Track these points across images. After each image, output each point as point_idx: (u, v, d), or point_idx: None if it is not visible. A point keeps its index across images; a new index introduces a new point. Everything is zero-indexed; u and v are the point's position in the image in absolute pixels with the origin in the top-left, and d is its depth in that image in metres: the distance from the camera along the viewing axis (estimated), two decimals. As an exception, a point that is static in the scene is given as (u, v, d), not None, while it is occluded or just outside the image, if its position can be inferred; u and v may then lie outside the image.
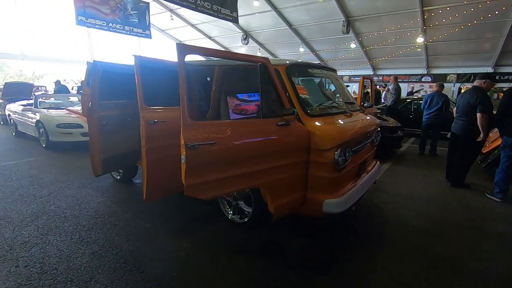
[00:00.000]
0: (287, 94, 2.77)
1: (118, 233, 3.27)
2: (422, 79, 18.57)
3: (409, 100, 9.78)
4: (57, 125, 6.78)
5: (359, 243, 3.15)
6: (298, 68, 3.15)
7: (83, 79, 13.38)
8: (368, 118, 3.52)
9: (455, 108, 4.96)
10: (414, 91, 16.44)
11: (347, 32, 15.75)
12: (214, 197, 2.20)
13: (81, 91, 5.73)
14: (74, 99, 8.94)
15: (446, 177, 5.08)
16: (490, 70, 16.54)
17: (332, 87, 3.41)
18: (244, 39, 19.50)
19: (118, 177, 4.80)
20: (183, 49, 2.09)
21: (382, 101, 12.05)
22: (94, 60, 3.48)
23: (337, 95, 3.43)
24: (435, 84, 7.04)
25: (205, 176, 2.11)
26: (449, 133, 4.92)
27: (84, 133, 6.86)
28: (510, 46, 14.54)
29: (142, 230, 3.34)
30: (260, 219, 3.25)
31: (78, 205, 3.97)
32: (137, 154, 4.30)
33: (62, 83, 14.98)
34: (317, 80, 3.36)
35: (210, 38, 21.17)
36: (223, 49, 22.04)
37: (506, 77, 16.22)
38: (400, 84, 10.10)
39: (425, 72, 18.32)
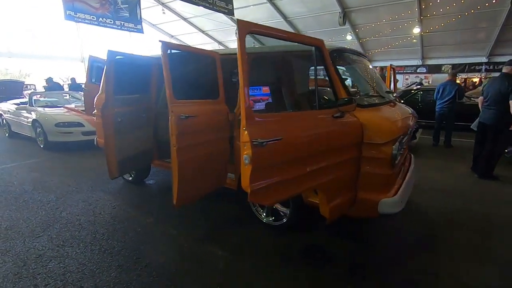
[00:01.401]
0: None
1: (143, 241, 2.94)
2: (417, 70, 18.47)
3: (416, 90, 9.58)
4: (55, 124, 6.33)
5: (409, 245, 2.90)
6: (342, 54, 2.84)
7: (72, 76, 12.73)
8: (408, 108, 3.25)
9: (480, 97, 4.74)
10: (419, 82, 16.21)
11: (344, 24, 15.50)
12: (277, 202, 1.89)
13: (83, 87, 5.32)
14: (68, 96, 8.41)
15: (472, 168, 4.88)
16: (484, 60, 16.55)
17: (370, 76, 3.13)
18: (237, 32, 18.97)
19: (130, 178, 4.43)
20: (245, 26, 1.75)
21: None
22: (109, 50, 3.10)
23: (374, 84, 3.15)
24: (429, 74, 6.86)
25: (270, 178, 1.80)
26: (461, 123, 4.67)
27: (86, 132, 6.43)
28: (505, 35, 14.51)
29: (168, 237, 3.01)
30: (298, 221, 2.97)
31: (91, 210, 3.61)
32: (152, 153, 3.96)
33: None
34: (356, 67, 3.06)
35: (203, 32, 20.62)
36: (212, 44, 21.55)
37: (500, 66, 16.18)
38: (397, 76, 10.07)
39: (420, 63, 18.22)
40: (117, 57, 3.22)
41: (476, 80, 16.89)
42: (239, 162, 3.16)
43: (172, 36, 21.81)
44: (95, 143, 4.90)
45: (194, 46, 2.93)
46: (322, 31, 17.50)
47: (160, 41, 2.46)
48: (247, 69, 1.72)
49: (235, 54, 3.28)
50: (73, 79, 11.58)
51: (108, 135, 3.30)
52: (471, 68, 16.94)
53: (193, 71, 3.13)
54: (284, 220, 2.97)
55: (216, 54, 3.03)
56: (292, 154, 1.88)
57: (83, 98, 8.55)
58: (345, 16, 15.31)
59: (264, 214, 3.15)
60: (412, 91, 9.74)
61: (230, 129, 3.14)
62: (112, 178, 3.51)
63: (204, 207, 3.61)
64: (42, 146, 6.71)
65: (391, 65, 5.03)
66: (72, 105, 7.55)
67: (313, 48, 2.13)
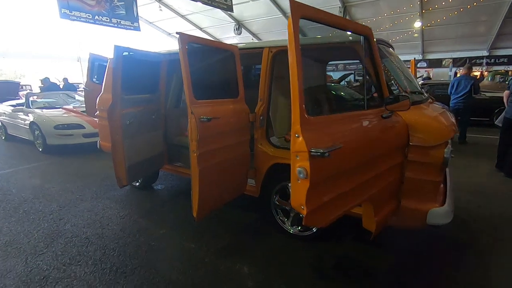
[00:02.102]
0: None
1: (159, 257, 2.63)
2: (418, 65, 18.23)
3: (425, 84, 9.30)
4: (55, 126, 5.97)
5: (459, 255, 2.62)
6: (381, 45, 2.53)
7: (64, 76, 12.30)
8: (441, 104, 2.96)
9: (506, 91, 4.47)
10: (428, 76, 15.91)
11: (344, 19, 15.18)
12: (332, 221, 1.59)
13: (84, 87, 4.98)
14: (69, 98, 8.02)
15: (496, 166, 4.62)
16: (485, 53, 16.35)
17: (405, 70, 2.84)
18: (236, 29, 18.63)
19: (137, 184, 4.11)
20: (299, 9, 1.44)
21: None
22: (115, 45, 2.78)
23: (410, 80, 2.85)
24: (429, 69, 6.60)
25: (327, 194, 1.50)
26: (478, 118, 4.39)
27: (87, 134, 6.09)
28: (506, 28, 14.29)
29: (186, 252, 2.71)
30: (328, 231, 2.68)
31: (98, 221, 3.29)
32: (163, 158, 3.65)
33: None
34: (392, 60, 2.76)
35: (201, 29, 20.20)
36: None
37: (502, 60, 16.05)
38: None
39: (420, 57, 17.98)
40: (125, 53, 2.89)
41: (477, 74, 16.69)
42: (260, 167, 2.87)
43: (170, 34, 21.35)
44: (98, 146, 4.57)
45: (212, 39, 2.59)
46: (321, 27, 17.08)
47: (177, 33, 2.15)
48: (300, 60, 1.40)
49: (253, 48, 3.02)
50: (65, 79, 11.19)
51: (116, 140, 2.98)
52: (472, 62, 16.71)
53: (212, 67, 2.82)
54: (314, 230, 2.68)
55: (235, 48, 2.72)
56: (350, 164, 1.58)
57: (83, 99, 8.29)
58: (346, 10, 15.01)
59: (289, 223, 2.87)
60: (425, 84, 9.47)
61: (250, 131, 2.84)
62: (121, 186, 3.20)
63: (221, 215, 3.30)
64: (40, 149, 6.36)
65: (414, 58, 4.74)
66: (70, 106, 7.19)
67: (361, 37, 1.84)
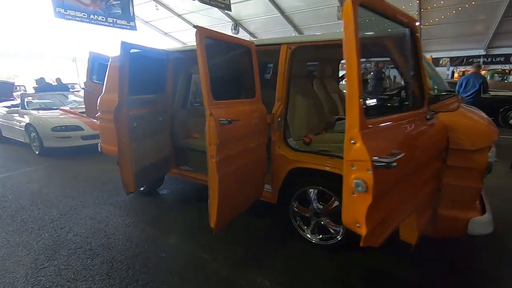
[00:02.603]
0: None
1: (171, 270, 2.42)
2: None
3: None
4: (52, 128, 5.70)
5: (497, 268, 2.44)
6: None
7: (57, 76, 11.96)
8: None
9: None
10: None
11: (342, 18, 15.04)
12: (385, 239, 1.39)
13: (84, 87, 4.73)
14: (65, 98, 7.72)
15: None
16: (482, 52, 16.31)
17: (433, 68, 2.66)
18: (234, 28, 18.38)
19: (142, 189, 3.88)
20: None
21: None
22: (122, 41, 2.55)
23: (439, 78, 2.68)
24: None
25: (384, 209, 1.29)
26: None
27: (85, 136, 5.82)
28: (503, 27, 14.26)
29: (201, 263, 2.50)
30: (352, 241, 2.49)
31: (102, 230, 3.07)
32: (170, 161, 3.43)
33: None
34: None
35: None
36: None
37: (498, 59, 16.02)
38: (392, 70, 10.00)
39: (417, 56, 17.90)
40: (132, 50, 2.67)
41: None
42: (278, 171, 2.67)
43: (166, 34, 21.03)
44: (99, 149, 4.33)
45: (228, 34, 2.38)
46: (319, 26, 17.00)
47: (195, 26, 1.93)
48: (360, 53, 1.19)
49: (270, 45, 2.82)
50: (58, 79, 10.86)
51: (122, 143, 2.75)
52: (469, 61, 16.67)
53: (228, 65, 2.61)
54: (339, 238, 2.49)
55: (252, 44, 2.51)
56: (407, 173, 1.39)
57: (78, 99, 8.02)
58: (344, 10, 14.87)
59: (309, 231, 2.67)
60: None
61: (268, 134, 2.64)
62: (128, 193, 2.97)
63: (233, 222, 3.09)
64: (37, 152, 6.08)
65: (431, 56, 4.58)
66: (67, 107, 6.91)
67: (407, 30, 1.65)
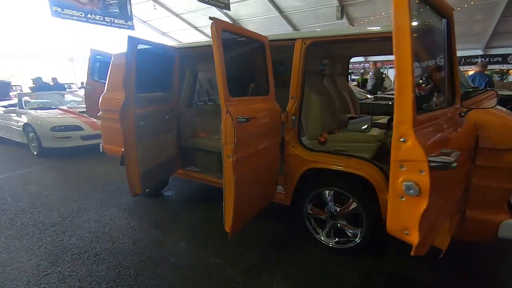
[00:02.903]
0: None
1: (182, 276, 2.29)
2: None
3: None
4: (51, 128, 5.53)
5: None
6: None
7: (53, 76, 11.71)
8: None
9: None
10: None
11: (341, 18, 15.00)
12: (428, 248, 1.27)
13: (85, 86, 4.58)
14: (65, 97, 7.54)
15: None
16: (480, 52, 16.35)
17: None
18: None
19: (146, 190, 3.74)
20: None
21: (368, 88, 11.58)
22: (129, 36, 2.43)
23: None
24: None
25: (433, 215, 1.17)
26: None
27: (85, 136, 5.67)
28: (501, 27, 14.29)
29: (212, 269, 2.37)
30: (371, 244, 2.38)
31: (107, 234, 2.93)
32: (177, 162, 3.30)
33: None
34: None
35: (196, 28, 19.76)
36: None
37: (496, 59, 16.06)
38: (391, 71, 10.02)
39: (415, 57, 17.88)
40: (139, 45, 2.53)
41: (472, 72, 16.66)
42: (292, 172, 2.55)
43: (164, 33, 20.85)
44: (100, 149, 4.19)
45: (243, 28, 2.25)
46: (318, 26, 16.94)
47: (211, 18, 1.81)
48: (412, 37, 1.07)
49: (283, 40, 2.70)
50: (54, 79, 10.68)
51: (128, 143, 2.62)
52: (467, 61, 16.70)
53: (242, 60, 2.49)
54: (357, 242, 2.38)
55: (265, 39, 2.39)
56: (455, 173, 1.28)
57: (76, 98, 7.85)
58: (343, 9, 14.80)
59: (324, 234, 2.56)
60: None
61: (281, 133, 2.53)
62: (134, 195, 2.84)
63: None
64: (35, 153, 5.91)
65: None
66: (65, 107, 6.74)
67: (443, 20, 1.54)
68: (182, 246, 2.70)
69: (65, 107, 6.62)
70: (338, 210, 2.44)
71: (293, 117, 2.47)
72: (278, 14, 16.32)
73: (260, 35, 2.37)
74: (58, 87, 9.81)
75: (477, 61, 16.54)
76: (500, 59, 15.97)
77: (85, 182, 4.39)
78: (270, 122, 2.30)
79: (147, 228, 3.03)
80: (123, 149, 2.64)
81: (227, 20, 17.87)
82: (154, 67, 2.83)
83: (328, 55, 3.22)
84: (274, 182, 2.57)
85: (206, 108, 3.87)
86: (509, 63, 15.90)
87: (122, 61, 3.77)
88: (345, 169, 2.28)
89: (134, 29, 15.76)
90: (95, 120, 5.53)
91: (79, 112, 6.12)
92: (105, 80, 4.28)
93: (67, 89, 11.87)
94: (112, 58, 3.90)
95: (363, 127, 2.70)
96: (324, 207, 2.53)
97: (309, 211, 2.59)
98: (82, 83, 17.05)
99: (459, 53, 11.59)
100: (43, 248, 2.70)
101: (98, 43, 19.04)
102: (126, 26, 15.49)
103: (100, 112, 4.04)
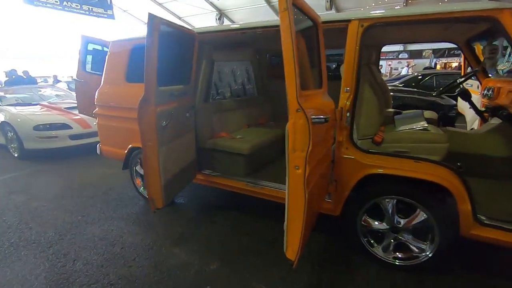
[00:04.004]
0: None
1: (226, 311, 1.86)
2: (399, 56, 18.18)
3: (431, 74, 8.91)
4: (34, 127, 4.85)
5: None
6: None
7: (25, 69, 10.74)
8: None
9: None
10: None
11: (330, 8, 14.68)
12: None
13: (75, 78, 3.96)
14: (46, 92, 6.74)
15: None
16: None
17: None
18: (218, 19, 17.54)
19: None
20: None
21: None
22: (149, 13, 1.93)
23: None
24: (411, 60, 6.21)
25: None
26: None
27: (74, 135, 5.03)
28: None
29: (261, 299, 1.95)
30: (441, 260, 2.04)
31: (119, 255, 2.43)
32: (195, 167, 2.83)
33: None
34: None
35: (180, 18, 18.81)
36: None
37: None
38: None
39: (401, 48, 17.92)
40: (162, 26, 2.02)
41: (455, 64, 16.85)
42: (345, 179, 2.16)
43: (146, 23, 19.70)
44: (97, 151, 3.63)
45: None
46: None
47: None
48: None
49: (334, 22, 2.26)
50: (26, 72, 9.76)
51: (149, 148, 2.11)
52: (451, 53, 16.87)
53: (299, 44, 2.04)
54: (427, 256, 2.03)
55: (319, 19, 1.94)
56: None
57: (55, 93, 7.06)
58: (332, 0, 14.48)
59: (381, 249, 2.19)
60: (419, 76, 9.09)
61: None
62: (155, 210, 2.34)
63: (273, 238, 2.56)
64: (16, 155, 5.19)
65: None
66: (45, 102, 6.01)
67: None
68: (214, 267, 2.26)
69: (46, 103, 5.89)
70: (402, 221, 2.07)
71: (348, 114, 2.06)
72: (265, 4, 15.75)
73: (315, 13, 1.92)
74: (30, 81, 8.90)
75: (460, 53, 16.81)
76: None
77: (80, 189, 3.81)
78: (330, 121, 1.88)
79: (167, 246, 2.55)
80: (142, 156, 2.13)
81: (213, 10, 17.18)
82: (175, 55, 2.33)
83: (381, 41, 2.84)
84: (325, 191, 2.16)
85: (225, 103, 3.39)
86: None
87: (122, 49, 3.23)
88: (416, 175, 1.91)
89: (114, 18, 14.89)
90: (85, 117, 4.92)
91: (64, 108, 5.44)
92: (100, 72, 3.71)
93: (39, 83, 10.85)
94: (110, 46, 3.33)
95: (422, 124, 2.33)
96: (382, 218, 2.15)
97: (363, 222, 2.21)
98: (55, 76, 15.88)
99: (443, 45, 11.50)
100: (42, 278, 2.18)
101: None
102: (106, 15, 14.62)
103: (96, 109, 3.48)
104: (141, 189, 3.32)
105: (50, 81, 16.28)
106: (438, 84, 8.28)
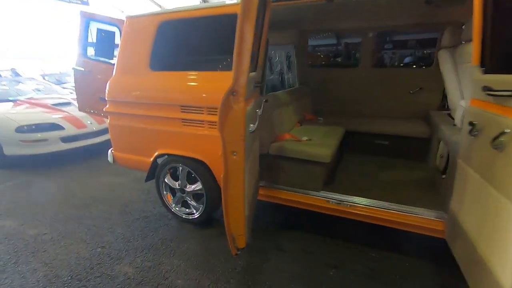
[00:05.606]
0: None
1: None
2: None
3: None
4: (16, 128, 3.89)
5: None
6: None
7: (13, 67, 9.55)
8: None
9: None
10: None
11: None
12: None
13: (74, 67, 3.10)
14: (24, 86, 5.62)
15: None
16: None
17: None
18: (204, 1, 16.46)
19: (195, 215, 2.50)
20: None
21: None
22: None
23: None
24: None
25: None
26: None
27: (66, 137, 4.12)
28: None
29: None
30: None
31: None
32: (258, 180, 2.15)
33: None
34: None
35: (160, 6, 17.51)
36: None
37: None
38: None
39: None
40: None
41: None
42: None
43: (123, 12, 18.23)
44: (109, 159, 2.83)
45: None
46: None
47: None
48: None
49: None
50: (13, 69, 8.74)
51: (233, 163, 1.38)
52: (435, 43, 16.85)
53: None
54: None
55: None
56: None
57: (36, 86, 5.98)
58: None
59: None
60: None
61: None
62: (236, 253, 1.62)
63: (331, 261, 1.95)
64: (-5, 163, 4.21)
65: None
66: (23, 97, 4.98)
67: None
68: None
69: (28, 98, 4.87)
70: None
71: None
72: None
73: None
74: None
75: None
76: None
77: (87, 207, 2.99)
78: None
79: (238, 284, 1.86)
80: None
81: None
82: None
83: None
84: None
85: (280, 96, 2.69)
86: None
87: (145, 28, 2.44)
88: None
89: (88, 5, 13.75)
90: (79, 115, 4.05)
91: (52, 105, 4.49)
92: (107, 58, 2.91)
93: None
94: (126, 24, 2.54)
95: None
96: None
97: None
98: (13, 69, 14.19)
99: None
100: None
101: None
102: (79, 1, 13.48)
103: (107, 105, 2.67)
104: (174, 207, 2.58)
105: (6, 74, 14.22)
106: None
